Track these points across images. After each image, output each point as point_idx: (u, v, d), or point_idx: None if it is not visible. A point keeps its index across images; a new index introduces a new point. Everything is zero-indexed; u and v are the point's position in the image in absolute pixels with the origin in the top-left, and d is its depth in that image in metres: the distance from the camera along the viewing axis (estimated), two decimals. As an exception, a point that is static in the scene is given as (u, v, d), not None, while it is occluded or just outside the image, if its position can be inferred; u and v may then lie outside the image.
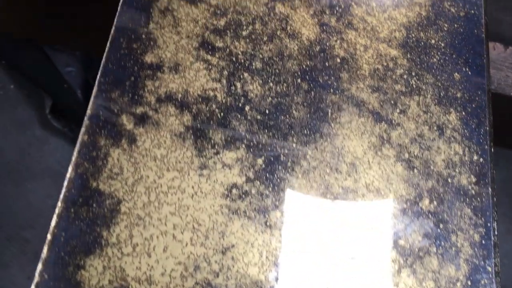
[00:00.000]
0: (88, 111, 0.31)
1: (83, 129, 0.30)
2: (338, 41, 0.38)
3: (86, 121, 0.31)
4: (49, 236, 0.27)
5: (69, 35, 0.38)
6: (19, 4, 0.35)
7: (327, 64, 0.37)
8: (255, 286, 0.30)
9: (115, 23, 0.33)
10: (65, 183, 0.29)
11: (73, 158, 0.30)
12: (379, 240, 0.33)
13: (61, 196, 0.28)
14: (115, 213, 0.29)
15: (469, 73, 0.41)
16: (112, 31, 0.33)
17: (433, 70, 0.40)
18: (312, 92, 0.36)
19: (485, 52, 0.42)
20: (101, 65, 0.32)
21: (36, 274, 0.27)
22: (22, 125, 1.44)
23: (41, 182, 1.39)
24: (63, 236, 0.28)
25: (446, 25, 0.42)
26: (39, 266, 0.27)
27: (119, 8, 0.34)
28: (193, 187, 0.31)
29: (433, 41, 0.41)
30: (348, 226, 0.33)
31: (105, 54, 0.33)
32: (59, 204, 0.28)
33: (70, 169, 0.29)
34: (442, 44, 0.41)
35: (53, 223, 0.28)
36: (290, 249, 0.31)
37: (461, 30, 0.42)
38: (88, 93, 1.29)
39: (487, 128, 0.39)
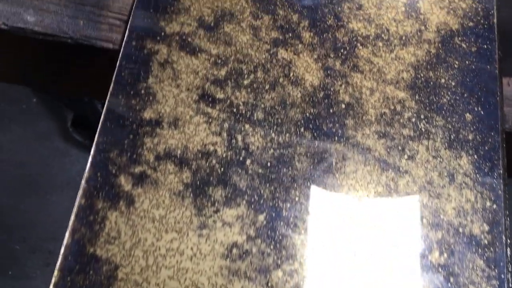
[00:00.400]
0: (86, 173, 0.31)
1: (80, 192, 0.30)
2: (343, 86, 0.37)
3: (83, 184, 0.31)
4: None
5: (67, 85, 0.38)
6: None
7: (331, 110, 0.36)
8: None
9: (113, 79, 0.33)
10: (62, 250, 0.29)
11: (70, 223, 0.30)
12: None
13: (58, 264, 0.28)
14: (112, 280, 0.29)
15: (482, 112, 0.39)
16: (110, 89, 0.33)
17: (443, 112, 0.38)
18: (316, 142, 0.35)
19: (498, 89, 0.40)
20: (100, 124, 0.32)
21: None
22: (44, 137, 1.46)
23: (62, 194, 1.40)
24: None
25: (456, 62, 0.40)
26: None
27: (117, 64, 0.34)
28: (192, 248, 0.31)
29: (443, 80, 0.39)
30: None
31: (103, 113, 0.32)
32: (55, 272, 0.28)
33: (67, 235, 0.29)
34: (453, 83, 0.39)
35: (49, 293, 0.27)
36: (291, 312, 0.31)
37: (473, 67, 0.41)
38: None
39: (501, 172, 0.38)
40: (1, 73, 0.37)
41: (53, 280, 0.28)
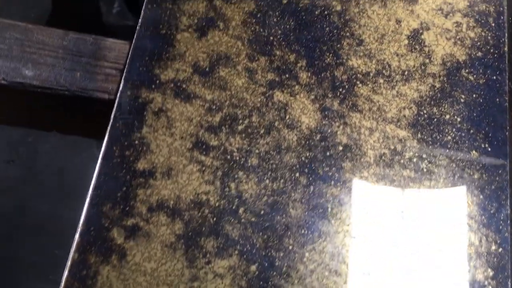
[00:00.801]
0: (79, 228, 0.32)
1: (74, 247, 0.31)
2: (341, 127, 0.37)
3: (77, 238, 0.31)
4: None
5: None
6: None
7: (328, 153, 0.36)
8: None
9: (108, 131, 0.34)
10: (55, 306, 0.30)
11: (64, 279, 0.31)
12: None
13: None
14: (103, 336, 0.30)
15: (489, 149, 0.38)
16: (104, 141, 0.33)
17: (447, 150, 0.37)
18: (311, 187, 0.35)
19: (508, 123, 0.39)
20: (94, 178, 0.33)
21: None
22: (80, 146, 1.49)
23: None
24: None
25: (463, 96, 0.39)
26: None
27: (112, 116, 0.34)
28: (183, 301, 0.31)
29: (447, 116, 0.38)
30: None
31: (97, 167, 0.33)
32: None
33: (60, 290, 0.30)
34: (458, 119, 0.38)
35: None
36: None
37: (481, 100, 0.39)
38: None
39: (508, 212, 0.36)
40: (1, 119, 0.38)
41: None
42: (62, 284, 0.30)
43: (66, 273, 0.31)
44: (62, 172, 1.47)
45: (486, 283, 0.34)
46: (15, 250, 1.45)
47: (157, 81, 0.36)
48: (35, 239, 1.43)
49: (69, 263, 0.31)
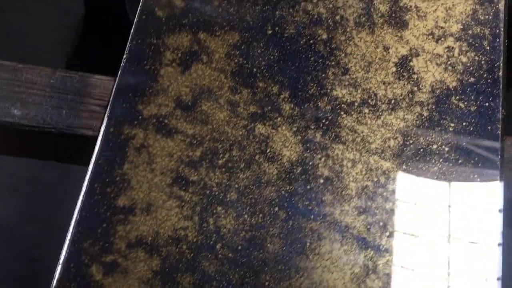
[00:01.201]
0: (60, 266, 0.33)
1: (54, 283, 0.33)
2: (323, 159, 0.37)
3: (57, 276, 0.33)
4: None
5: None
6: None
7: (308, 187, 0.36)
8: None
9: (90, 168, 0.35)
10: None
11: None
12: None
13: None
14: None
15: (478, 180, 0.37)
16: (86, 178, 0.35)
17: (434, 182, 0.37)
18: (290, 221, 0.35)
19: (499, 152, 0.38)
20: (76, 214, 0.34)
21: None
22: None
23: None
24: None
25: (452, 124, 0.38)
26: None
27: (94, 153, 0.35)
28: (157, 337, 0.32)
29: (435, 146, 0.38)
30: None
31: (79, 203, 0.34)
32: None
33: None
34: (446, 149, 0.38)
35: None
36: None
37: (471, 129, 0.38)
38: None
39: (500, 241, 0.36)
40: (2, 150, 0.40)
41: None
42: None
43: (46, 309, 0.32)
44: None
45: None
46: (52, 251, 1.49)
47: (140, 117, 0.37)
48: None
49: (49, 300, 0.32)
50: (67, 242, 0.34)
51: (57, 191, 1.56)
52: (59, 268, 0.33)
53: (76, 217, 0.34)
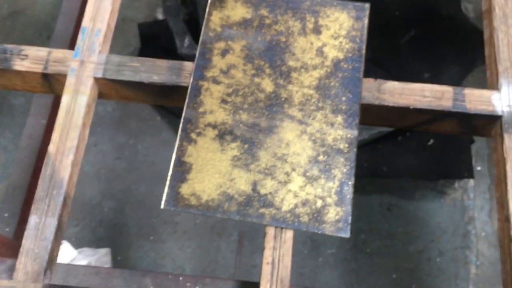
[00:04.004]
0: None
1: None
2: (282, 90, 0.90)
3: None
4: None
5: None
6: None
7: (278, 101, 0.89)
8: None
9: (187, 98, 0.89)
10: None
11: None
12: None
13: None
14: None
15: (350, 96, 0.89)
16: (186, 101, 0.88)
17: (331, 98, 0.89)
18: (270, 113, 0.88)
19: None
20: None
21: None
22: (167, 143, 2.12)
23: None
24: None
25: (340, 74, 0.90)
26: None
27: (188, 93, 0.89)
28: None
29: (332, 83, 0.90)
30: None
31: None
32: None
33: None
34: (337, 84, 0.90)
35: None
36: None
37: (347, 75, 0.90)
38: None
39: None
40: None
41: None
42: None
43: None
44: (154, 163, 2.10)
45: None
46: (125, 219, 2.10)
47: (205, 76, 0.90)
48: (138, 211, 2.06)
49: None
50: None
51: (127, 177, 2.15)
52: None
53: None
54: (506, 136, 0.86)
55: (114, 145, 2.06)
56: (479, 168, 1.99)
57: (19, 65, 0.90)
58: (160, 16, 2.15)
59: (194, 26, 1.95)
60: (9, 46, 0.92)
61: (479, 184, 1.97)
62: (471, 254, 1.88)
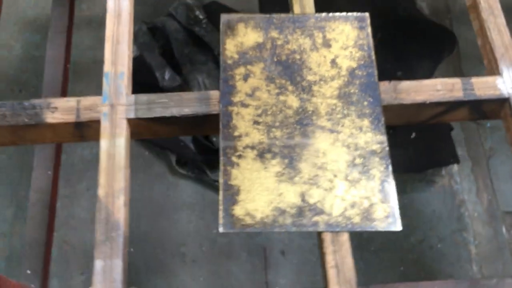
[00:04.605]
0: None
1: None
2: (307, 103, 0.95)
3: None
4: None
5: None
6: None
7: (306, 115, 0.94)
8: None
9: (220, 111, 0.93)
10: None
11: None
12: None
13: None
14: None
15: (371, 100, 0.95)
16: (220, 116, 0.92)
17: (353, 104, 0.95)
18: (301, 127, 0.93)
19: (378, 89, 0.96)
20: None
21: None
22: (159, 176, 2.14)
23: (182, 213, 2.08)
24: None
25: (357, 81, 0.97)
26: (219, 211, 0.86)
27: (220, 117, 0.93)
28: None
29: (351, 90, 0.96)
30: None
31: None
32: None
33: None
34: (353, 90, 0.96)
35: None
36: None
37: (364, 81, 0.97)
38: (195, 144, 1.95)
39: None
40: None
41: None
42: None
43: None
44: (151, 198, 2.08)
45: (376, 150, 0.92)
46: (132, 259, 2.07)
47: (233, 102, 0.95)
48: (143, 248, 2.03)
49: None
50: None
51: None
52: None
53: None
54: (517, 116, 0.94)
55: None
56: (459, 153, 2.10)
57: (51, 117, 0.92)
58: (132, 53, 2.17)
59: (169, 58, 1.99)
60: (37, 101, 0.94)
61: (462, 167, 2.08)
62: (469, 235, 1.98)
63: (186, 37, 2.00)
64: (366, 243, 1.96)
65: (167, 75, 1.89)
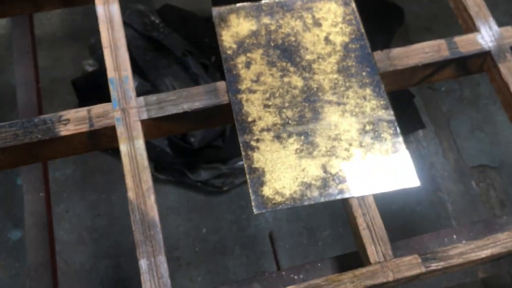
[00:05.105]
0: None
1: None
2: (311, 81, 1.00)
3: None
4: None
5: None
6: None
7: (312, 92, 0.99)
8: None
9: (234, 109, 0.96)
10: None
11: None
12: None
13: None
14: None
15: (369, 70, 1.01)
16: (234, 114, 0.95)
17: (353, 76, 1.00)
18: (306, 103, 0.97)
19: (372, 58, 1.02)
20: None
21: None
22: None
23: (168, 218, 2.07)
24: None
25: (353, 54, 1.02)
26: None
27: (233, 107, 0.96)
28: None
29: (349, 63, 1.01)
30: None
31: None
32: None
33: None
34: (354, 63, 1.01)
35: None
36: None
37: (357, 53, 1.02)
38: (172, 148, 1.96)
39: (383, 89, 0.99)
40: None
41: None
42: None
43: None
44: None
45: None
46: (125, 273, 2.06)
47: (241, 89, 0.98)
48: (135, 261, 2.02)
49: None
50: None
51: (111, 232, 2.07)
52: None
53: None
54: (500, 66, 1.02)
55: (86, 205, 2.03)
56: (422, 118, 2.22)
57: (65, 130, 0.92)
58: (89, 67, 2.14)
59: (133, 66, 1.98)
60: (47, 116, 0.93)
61: (427, 132, 2.20)
62: (443, 194, 2.09)
63: (145, 43, 2.00)
64: (351, 218, 2.03)
65: (135, 83, 1.88)
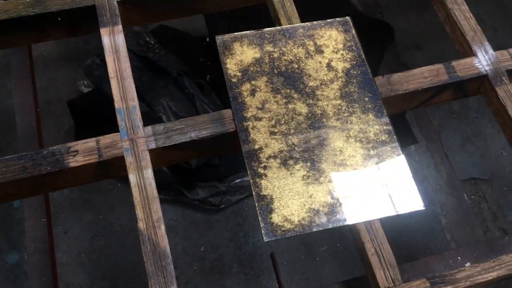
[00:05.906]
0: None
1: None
2: (315, 107, 1.01)
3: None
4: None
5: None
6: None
7: (316, 118, 1.00)
8: None
9: (240, 137, 0.96)
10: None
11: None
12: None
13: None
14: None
15: (371, 96, 1.02)
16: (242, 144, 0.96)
17: (355, 101, 1.01)
18: (312, 131, 0.98)
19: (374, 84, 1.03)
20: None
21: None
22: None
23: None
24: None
25: (355, 81, 1.03)
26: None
27: (240, 136, 0.97)
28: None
29: (352, 89, 1.02)
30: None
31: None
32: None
33: None
34: (356, 89, 1.03)
35: None
36: None
37: (359, 79, 1.04)
38: (170, 167, 1.95)
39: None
40: None
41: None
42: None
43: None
44: (133, 229, 2.04)
45: (386, 140, 0.98)
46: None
47: (247, 117, 0.98)
48: (134, 280, 2.01)
49: (250, 184, 0.93)
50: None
51: (110, 252, 2.09)
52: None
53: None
54: (497, 89, 1.04)
55: (84, 226, 2.01)
56: (414, 132, 2.24)
57: (74, 161, 0.92)
58: (84, 88, 2.14)
59: (128, 87, 1.97)
60: (55, 148, 0.93)
61: (419, 146, 2.22)
62: (436, 207, 2.11)
63: (140, 64, 2.00)
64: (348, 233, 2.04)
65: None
